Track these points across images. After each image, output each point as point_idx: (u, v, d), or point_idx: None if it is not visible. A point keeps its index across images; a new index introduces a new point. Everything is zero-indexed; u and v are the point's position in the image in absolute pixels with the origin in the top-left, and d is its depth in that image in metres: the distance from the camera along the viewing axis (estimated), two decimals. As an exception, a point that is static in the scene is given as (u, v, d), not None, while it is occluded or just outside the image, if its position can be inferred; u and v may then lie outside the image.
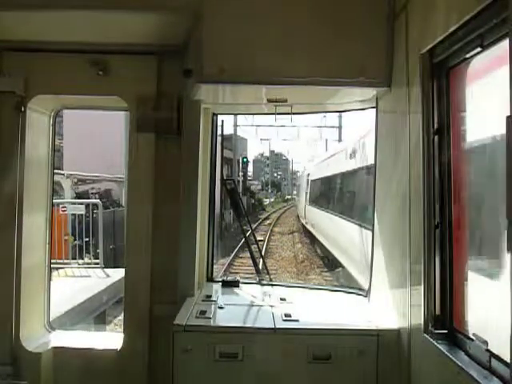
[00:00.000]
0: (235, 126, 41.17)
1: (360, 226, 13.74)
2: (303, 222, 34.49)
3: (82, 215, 13.39)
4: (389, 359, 3.55)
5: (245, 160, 51.33)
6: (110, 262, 14.05)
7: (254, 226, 26.21)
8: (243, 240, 14.81)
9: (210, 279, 4.98)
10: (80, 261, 12.52)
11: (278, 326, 3.70)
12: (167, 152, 4.45)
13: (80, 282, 11.21)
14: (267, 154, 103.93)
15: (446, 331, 2.99)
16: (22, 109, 4.31)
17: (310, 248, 27.75)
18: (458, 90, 2.98)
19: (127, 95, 4.40)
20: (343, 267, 17.08)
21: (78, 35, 4.13)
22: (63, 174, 19.65)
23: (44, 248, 4.68)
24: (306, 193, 32.72)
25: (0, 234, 4.34)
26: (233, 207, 5.66)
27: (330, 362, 3.56)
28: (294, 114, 4.49)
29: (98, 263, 12.34)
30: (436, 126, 3.05)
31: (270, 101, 4.29)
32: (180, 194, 4.40)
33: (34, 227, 4.55)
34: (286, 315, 3.89)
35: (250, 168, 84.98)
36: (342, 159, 18.75)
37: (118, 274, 11.12)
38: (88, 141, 29.25)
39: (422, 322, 3.07)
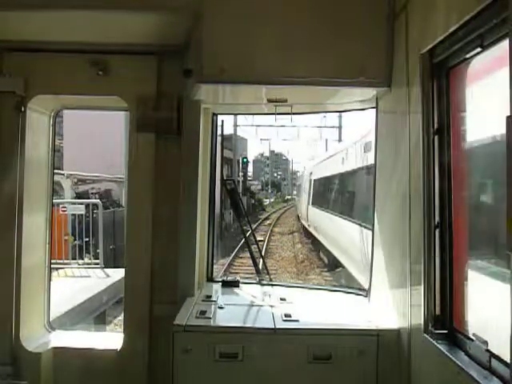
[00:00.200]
0: (235, 125, 41.24)
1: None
2: (305, 224, 32.10)
3: (81, 215, 13.39)
4: (389, 359, 3.55)
5: (245, 160, 51.33)
6: (110, 262, 14.04)
7: (253, 226, 26.03)
8: (243, 240, 14.69)
9: (210, 279, 4.98)
10: (80, 261, 12.52)
11: (278, 326, 3.69)
12: (167, 152, 4.45)
13: (80, 282, 11.20)
14: (267, 154, 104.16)
15: (446, 331, 2.99)
16: (22, 109, 4.32)
17: (310, 248, 27.67)
18: (457, 90, 2.98)
19: (127, 95, 4.40)
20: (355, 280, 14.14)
21: (78, 35, 4.13)
22: (63, 174, 19.66)
23: (44, 248, 4.68)
24: (309, 193, 30.63)
25: (0, 234, 4.35)
26: (233, 207, 5.65)
27: (330, 362, 3.56)
28: (293, 114, 4.49)
29: (97, 263, 12.33)
30: (436, 126, 3.05)
31: (270, 101, 4.29)
32: (180, 194, 4.40)
33: (34, 227, 4.55)
34: (286, 315, 3.88)
35: (250, 168, 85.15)
36: (357, 154, 15.60)
37: (117, 274, 11.11)
38: (88, 141, 29.26)
39: (422, 322, 3.07)
